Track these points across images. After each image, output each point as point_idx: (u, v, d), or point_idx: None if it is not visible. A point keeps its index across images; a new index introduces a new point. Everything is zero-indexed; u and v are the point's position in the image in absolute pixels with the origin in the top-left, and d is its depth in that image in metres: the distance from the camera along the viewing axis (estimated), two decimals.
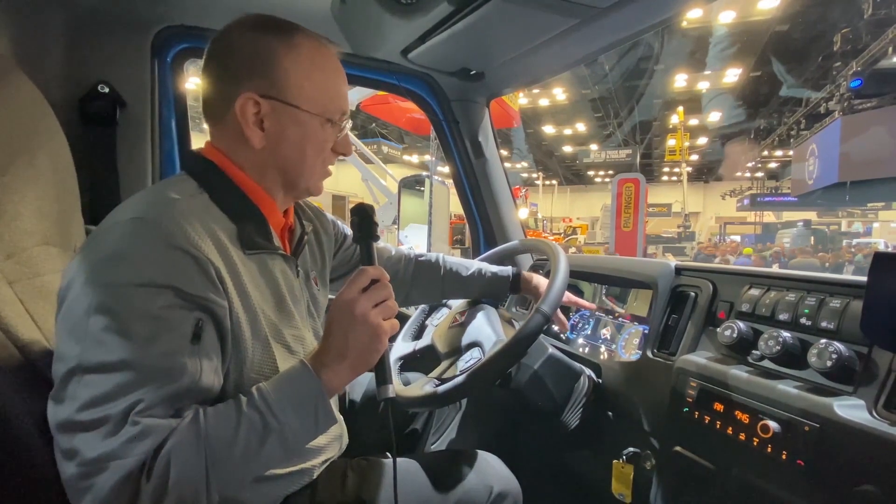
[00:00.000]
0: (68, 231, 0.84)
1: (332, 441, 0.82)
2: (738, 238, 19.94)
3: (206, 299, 0.57)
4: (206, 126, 0.72)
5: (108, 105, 1.15)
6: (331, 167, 0.77)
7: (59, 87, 1.10)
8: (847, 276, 0.82)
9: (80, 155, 0.93)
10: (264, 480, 0.69)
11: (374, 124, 15.53)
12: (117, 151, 1.17)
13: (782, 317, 0.82)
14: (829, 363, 0.69)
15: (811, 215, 19.53)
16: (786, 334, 0.77)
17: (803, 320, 0.79)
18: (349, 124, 0.76)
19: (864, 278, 0.67)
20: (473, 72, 1.38)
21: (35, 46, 1.07)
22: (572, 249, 13.12)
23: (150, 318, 0.54)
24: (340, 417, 0.88)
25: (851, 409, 0.65)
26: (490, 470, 0.91)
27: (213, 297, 0.58)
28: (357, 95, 6.57)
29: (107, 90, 1.14)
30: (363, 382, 1.14)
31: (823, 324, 0.76)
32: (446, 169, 1.72)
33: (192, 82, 1.61)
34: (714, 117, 16.06)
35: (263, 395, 0.59)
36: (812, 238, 16.41)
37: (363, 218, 0.75)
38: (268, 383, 0.61)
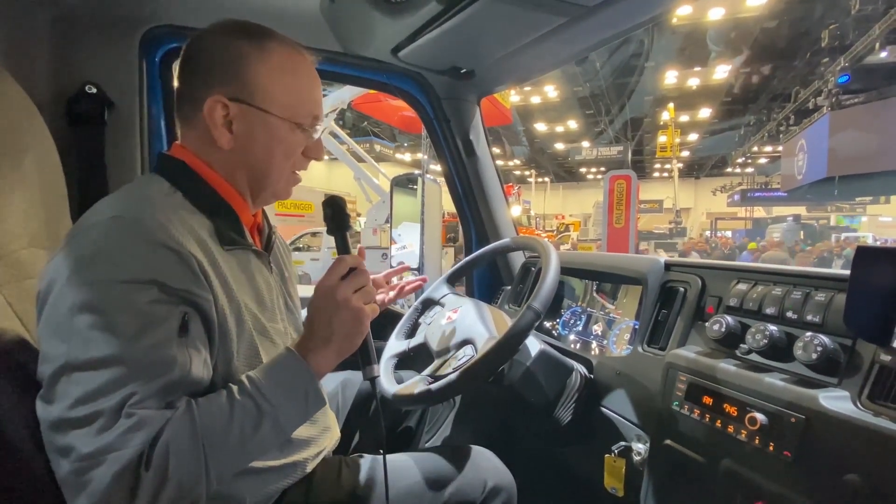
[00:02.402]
0: (56, 233, 0.83)
1: (323, 432, 0.83)
2: (728, 234, 20.11)
3: (191, 293, 0.59)
4: None
5: (96, 106, 1.14)
6: (302, 172, 0.78)
7: (46, 87, 1.09)
8: (832, 270, 0.84)
9: (67, 156, 0.92)
10: (259, 473, 0.70)
11: (366, 122, 15.47)
12: (106, 152, 1.16)
13: (769, 311, 0.83)
14: (814, 356, 0.70)
15: (801, 210, 19.71)
16: (772, 328, 0.78)
17: (789, 314, 0.80)
18: (323, 129, 0.77)
19: (848, 272, 0.68)
20: (463, 70, 1.38)
21: (21, 47, 1.06)
22: (566, 246, 13.17)
23: (136, 314, 0.54)
24: (328, 407, 0.89)
25: (836, 401, 0.66)
26: (484, 464, 0.92)
27: (197, 290, 0.59)
28: (349, 94, 6.57)
29: (94, 91, 1.13)
30: (356, 382, 1.15)
31: (809, 317, 0.77)
32: (439, 167, 1.72)
33: None
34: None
35: (254, 382, 0.61)
36: (801, 233, 16.58)
37: (336, 210, 0.77)
38: (256, 371, 0.63)
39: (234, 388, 0.61)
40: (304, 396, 0.64)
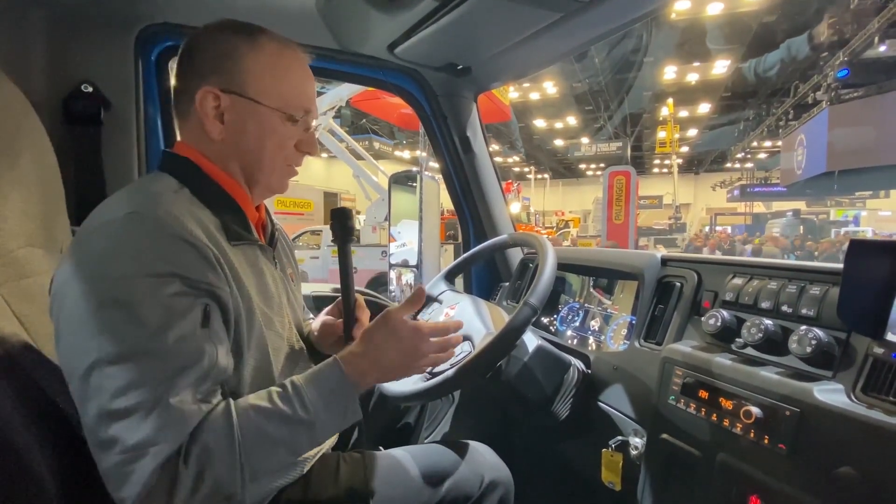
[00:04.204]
0: (53, 232, 0.84)
1: None
2: (728, 229, 20.10)
3: (210, 284, 0.60)
4: None
5: (93, 105, 1.14)
6: (301, 170, 0.79)
7: (42, 87, 1.09)
8: (826, 263, 0.84)
9: (64, 156, 0.92)
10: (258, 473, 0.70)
11: (364, 120, 15.45)
12: (102, 151, 1.16)
13: (764, 305, 0.83)
14: (808, 349, 0.70)
15: (800, 205, 19.71)
16: (768, 322, 0.78)
17: (784, 308, 0.80)
18: (317, 124, 0.78)
19: (842, 265, 0.68)
20: (460, 67, 1.38)
21: (16, 46, 1.06)
22: (566, 243, 13.17)
23: (161, 307, 0.56)
24: None
25: (830, 394, 0.66)
26: (481, 460, 0.92)
27: (216, 282, 0.61)
28: (347, 91, 6.56)
29: (90, 90, 1.13)
30: None
31: (804, 311, 0.77)
32: (438, 164, 1.72)
33: None
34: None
35: (297, 389, 0.63)
36: (801, 227, 16.58)
37: (342, 222, 0.81)
38: (300, 378, 0.65)
39: (276, 391, 0.63)
40: (342, 411, 0.65)
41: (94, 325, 0.54)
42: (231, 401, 0.60)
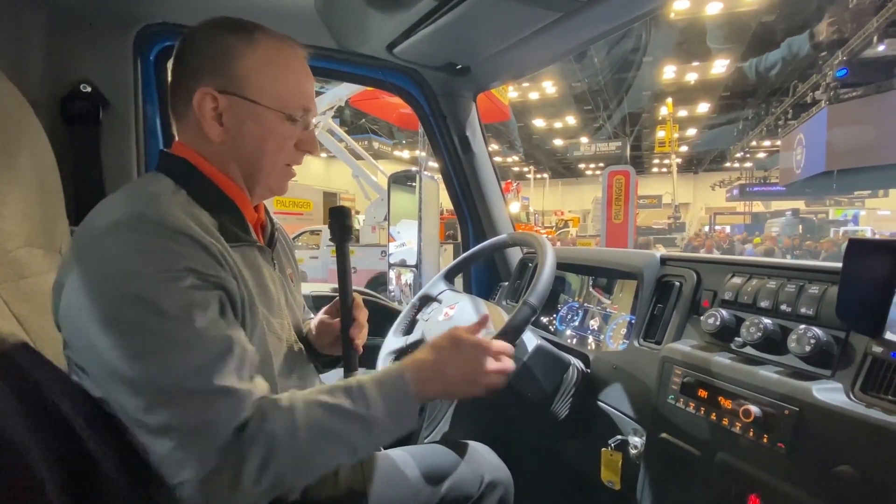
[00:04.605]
0: (52, 232, 0.83)
1: None
2: (727, 228, 20.12)
3: (220, 277, 0.61)
4: None
5: (91, 105, 1.14)
6: (300, 170, 0.78)
7: (40, 87, 1.09)
8: (825, 262, 0.84)
9: (63, 156, 0.92)
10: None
11: (363, 120, 15.44)
12: (101, 151, 1.16)
13: (763, 304, 0.83)
14: (807, 348, 0.70)
15: (799, 204, 19.71)
16: (767, 321, 0.78)
17: (783, 307, 0.80)
18: (316, 123, 0.78)
19: (840, 265, 0.68)
20: (459, 66, 1.38)
21: (15, 46, 1.06)
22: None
23: (183, 299, 0.57)
24: None
25: (829, 393, 0.66)
26: (481, 460, 0.92)
27: (224, 275, 0.62)
28: (346, 91, 6.56)
29: (89, 89, 1.13)
30: None
31: (803, 310, 0.77)
32: (437, 164, 1.72)
33: None
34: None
35: (361, 386, 0.65)
36: (800, 227, 16.59)
37: (341, 221, 0.82)
38: (367, 379, 0.66)
39: (340, 386, 0.65)
40: (400, 416, 0.66)
41: (121, 323, 0.55)
42: (296, 392, 0.62)
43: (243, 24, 0.70)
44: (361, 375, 0.67)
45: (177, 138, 0.74)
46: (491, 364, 0.73)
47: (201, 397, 0.55)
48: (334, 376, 1.12)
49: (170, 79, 0.72)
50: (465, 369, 0.71)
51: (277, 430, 0.57)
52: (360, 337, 0.89)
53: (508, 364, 0.77)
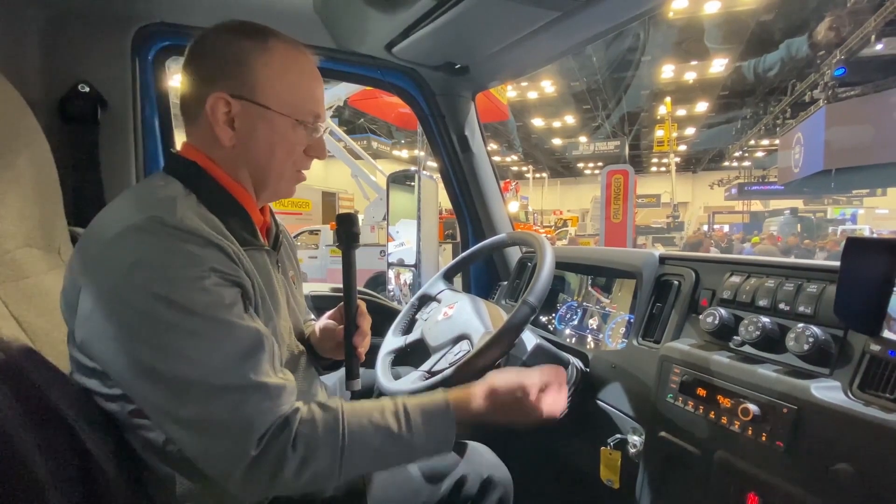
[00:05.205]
0: (51, 233, 0.83)
1: None
2: (726, 227, 20.14)
3: (237, 276, 0.63)
4: None
5: (89, 105, 1.13)
6: (305, 171, 0.78)
7: (39, 87, 1.09)
8: (823, 261, 0.84)
9: (61, 156, 0.92)
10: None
11: (362, 119, 15.43)
12: (100, 152, 1.16)
13: (762, 303, 0.83)
14: (806, 347, 0.71)
15: (798, 203, 19.74)
16: (765, 320, 0.78)
17: (782, 305, 0.80)
18: (325, 128, 0.78)
19: (839, 263, 0.68)
20: (458, 66, 1.38)
21: (13, 46, 1.06)
22: (564, 242, 13.17)
23: (209, 297, 0.58)
24: None
25: (828, 391, 0.66)
26: (480, 459, 0.92)
27: (241, 273, 0.63)
28: (345, 91, 6.55)
29: (87, 90, 1.13)
30: None
31: (801, 308, 0.78)
32: (436, 164, 1.72)
33: (175, 80, 1.59)
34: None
35: (407, 411, 0.67)
36: (799, 226, 16.62)
37: (348, 228, 0.83)
38: (410, 402, 0.69)
39: (388, 405, 0.67)
40: (436, 446, 0.69)
41: (150, 324, 0.56)
42: (342, 402, 0.65)
43: (258, 29, 0.70)
44: (406, 398, 0.69)
45: (184, 139, 0.73)
46: (547, 406, 0.77)
47: (238, 391, 0.57)
48: (334, 377, 1.13)
49: (179, 81, 0.72)
50: (518, 419, 0.76)
51: (320, 435, 0.60)
52: (363, 345, 0.89)
53: (561, 403, 0.82)
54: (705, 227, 20.73)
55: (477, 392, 0.74)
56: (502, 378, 0.76)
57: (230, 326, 0.58)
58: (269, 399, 0.58)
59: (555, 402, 0.80)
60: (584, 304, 1.31)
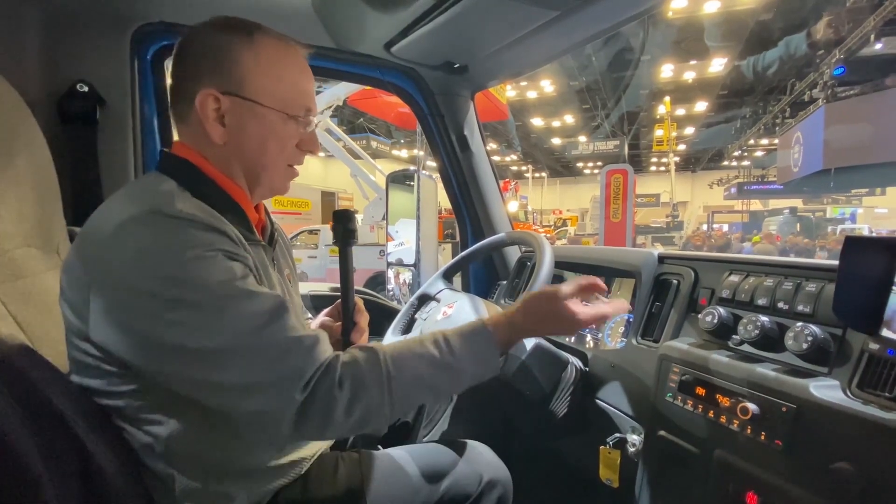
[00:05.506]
0: (50, 232, 0.83)
1: None
2: (725, 227, 20.14)
3: (241, 255, 0.63)
4: None
5: (88, 104, 1.13)
6: (298, 167, 0.78)
7: (37, 86, 1.09)
8: (822, 260, 0.84)
9: (60, 155, 0.92)
10: (256, 473, 0.70)
11: (361, 119, 15.42)
12: (98, 151, 1.16)
13: (761, 301, 0.83)
14: (805, 345, 0.71)
15: (797, 203, 19.74)
16: (764, 319, 0.78)
17: (781, 304, 0.80)
18: (317, 122, 0.77)
19: (837, 262, 0.68)
20: (457, 65, 1.38)
21: (11, 45, 1.06)
22: (563, 241, 13.17)
23: (221, 272, 0.59)
24: None
25: (826, 390, 0.66)
26: (480, 459, 0.92)
27: (244, 252, 0.64)
28: (344, 90, 6.54)
29: (86, 89, 1.13)
30: None
31: (800, 307, 0.78)
32: (435, 163, 1.72)
33: None
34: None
35: (446, 338, 0.69)
36: (798, 225, 16.63)
37: (345, 224, 0.82)
38: (447, 330, 0.70)
39: (427, 337, 0.69)
40: (482, 368, 0.71)
41: (169, 305, 0.56)
42: (380, 343, 0.68)
43: (244, 24, 0.70)
44: (448, 331, 0.70)
45: (175, 138, 0.73)
46: (581, 314, 0.76)
47: (275, 347, 0.58)
48: None
49: (169, 80, 0.71)
50: (557, 328, 0.78)
51: (366, 368, 0.62)
52: (361, 341, 0.89)
53: (603, 309, 0.79)
54: (704, 227, 20.72)
55: (511, 309, 0.75)
56: (535, 293, 0.77)
57: (249, 294, 0.59)
58: (306, 350, 0.60)
59: (594, 309, 0.78)
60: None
